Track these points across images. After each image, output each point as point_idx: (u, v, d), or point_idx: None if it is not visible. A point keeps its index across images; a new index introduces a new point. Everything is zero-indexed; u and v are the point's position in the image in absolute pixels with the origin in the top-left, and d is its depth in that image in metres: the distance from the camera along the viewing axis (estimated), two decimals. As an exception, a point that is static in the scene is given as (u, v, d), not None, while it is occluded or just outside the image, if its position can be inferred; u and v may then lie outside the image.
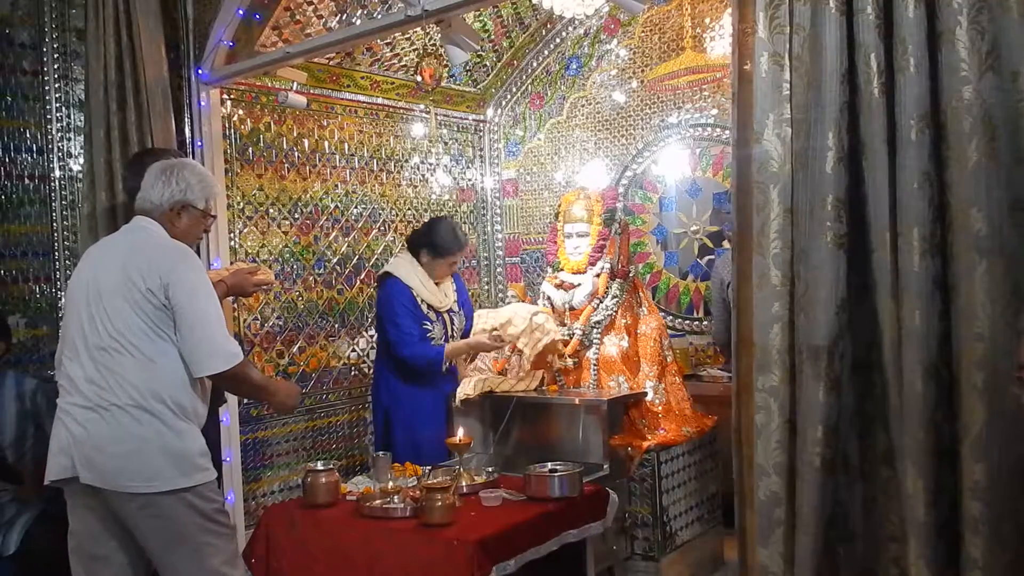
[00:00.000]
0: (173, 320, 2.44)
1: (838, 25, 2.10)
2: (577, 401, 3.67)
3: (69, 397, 2.48)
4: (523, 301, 4.38)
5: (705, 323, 4.82)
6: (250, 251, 4.23)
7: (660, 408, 3.80)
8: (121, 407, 2.39)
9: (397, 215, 4.99)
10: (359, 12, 4.10)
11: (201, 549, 2.45)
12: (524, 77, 5.42)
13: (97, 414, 2.41)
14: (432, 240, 3.89)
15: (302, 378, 4.44)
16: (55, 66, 3.90)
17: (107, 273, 2.50)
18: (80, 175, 3.84)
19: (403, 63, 4.82)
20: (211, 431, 2.66)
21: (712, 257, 4.79)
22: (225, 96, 4.13)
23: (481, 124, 5.54)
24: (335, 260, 4.63)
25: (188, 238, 2.66)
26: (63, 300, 3.54)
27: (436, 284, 3.92)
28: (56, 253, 3.89)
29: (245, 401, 4.15)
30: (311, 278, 4.51)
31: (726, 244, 4.62)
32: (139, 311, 2.42)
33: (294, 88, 4.21)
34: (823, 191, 2.13)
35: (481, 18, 4.85)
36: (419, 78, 4.65)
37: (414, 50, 4.74)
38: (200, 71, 3.92)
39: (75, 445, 2.42)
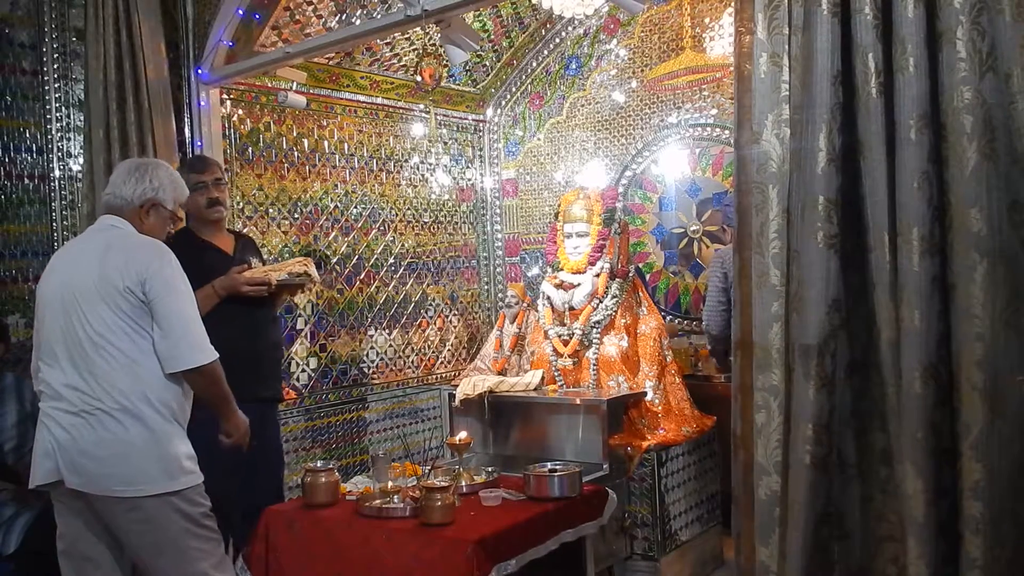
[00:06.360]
0: (151, 317, 2.42)
1: (830, 27, 2.11)
2: (577, 401, 3.67)
3: (52, 402, 2.45)
4: (523, 301, 4.38)
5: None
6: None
7: (660, 408, 3.80)
8: (107, 411, 2.37)
9: (397, 215, 4.98)
10: (359, 12, 4.10)
11: (188, 553, 2.43)
12: (524, 77, 5.42)
13: (82, 419, 2.38)
14: None
15: (302, 376, 4.45)
16: (55, 66, 3.90)
17: (82, 274, 2.45)
18: (80, 175, 3.84)
19: (403, 63, 4.82)
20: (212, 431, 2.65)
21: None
22: (225, 96, 4.13)
23: (481, 124, 5.54)
24: (335, 260, 4.63)
25: (154, 238, 2.62)
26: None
27: None
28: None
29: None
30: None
31: (718, 246, 4.62)
32: (118, 311, 2.40)
33: (294, 88, 4.22)
34: (814, 192, 2.13)
35: (480, 18, 4.84)
36: (419, 78, 4.65)
37: (414, 50, 4.74)
38: (200, 71, 3.92)
39: (60, 450, 2.40)
